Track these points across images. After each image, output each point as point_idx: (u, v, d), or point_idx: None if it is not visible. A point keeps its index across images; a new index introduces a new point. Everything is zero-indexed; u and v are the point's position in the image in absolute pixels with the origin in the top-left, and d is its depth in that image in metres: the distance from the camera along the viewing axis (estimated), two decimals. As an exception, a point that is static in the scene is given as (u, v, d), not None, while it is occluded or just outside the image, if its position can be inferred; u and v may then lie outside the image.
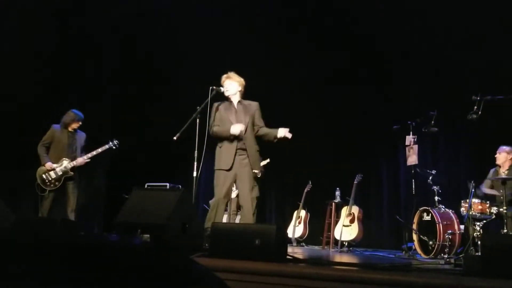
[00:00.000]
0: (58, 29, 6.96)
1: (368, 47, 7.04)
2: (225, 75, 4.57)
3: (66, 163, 5.62)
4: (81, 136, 5.85)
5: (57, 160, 5.61)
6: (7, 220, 4.44)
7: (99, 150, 5.77)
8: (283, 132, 4.41)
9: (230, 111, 4.51)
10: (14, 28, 6.58)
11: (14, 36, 6.58)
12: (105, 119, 7.50)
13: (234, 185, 4.69)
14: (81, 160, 5.69)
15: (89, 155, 5.74)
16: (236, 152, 4.35)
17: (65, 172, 5.60)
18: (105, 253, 0.72)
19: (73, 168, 5.65)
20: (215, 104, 4.51)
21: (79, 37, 7.16)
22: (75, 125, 5.76)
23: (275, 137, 4.44)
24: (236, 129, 4.32)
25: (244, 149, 4.38)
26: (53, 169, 5.57)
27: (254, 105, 4.59)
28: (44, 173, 5.55)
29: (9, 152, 6.52)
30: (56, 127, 5.76)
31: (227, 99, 4.55)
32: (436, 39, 6.65)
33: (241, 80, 4.57)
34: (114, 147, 5.87)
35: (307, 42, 7.35)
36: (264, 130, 4.53)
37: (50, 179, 5.55)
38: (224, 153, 4.37)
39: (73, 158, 5.65)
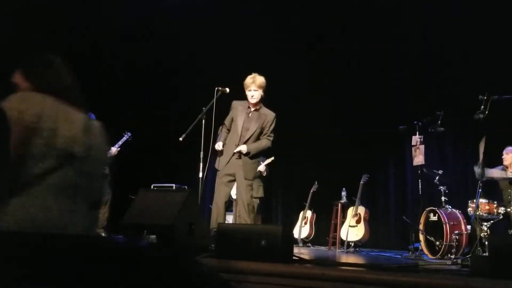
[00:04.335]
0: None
1: (373, 46, 7.01)
2: (251, 79, 4.46)
3: None
4: None
5: None
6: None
7: (120, 142, 5.83)
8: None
9: (242, 115, 4.49)
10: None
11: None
12: (111, 120, 7.52)
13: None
14: (114, 150, 5.73)
15: (117, 146, 5.78)
16: (233, 154, 4.40)
17: None
18: (112, 254, 0.73)
19: None
20: (235, 103, 4.57)
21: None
22: None
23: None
24: (217, 145, 4.45)
25: (240, 155, 4.42)
26: None
27: (270, 116, 4.52)
28: None
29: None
30: None
31: (247, 98, 4.51)
32: (443, 38, 6.62)
33: (264, 82, 4.49)
34: (129, 139, 5.94)
35: (316, 42, 7.34)
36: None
37: None
38: (224, 153, 4.45)
39: None
